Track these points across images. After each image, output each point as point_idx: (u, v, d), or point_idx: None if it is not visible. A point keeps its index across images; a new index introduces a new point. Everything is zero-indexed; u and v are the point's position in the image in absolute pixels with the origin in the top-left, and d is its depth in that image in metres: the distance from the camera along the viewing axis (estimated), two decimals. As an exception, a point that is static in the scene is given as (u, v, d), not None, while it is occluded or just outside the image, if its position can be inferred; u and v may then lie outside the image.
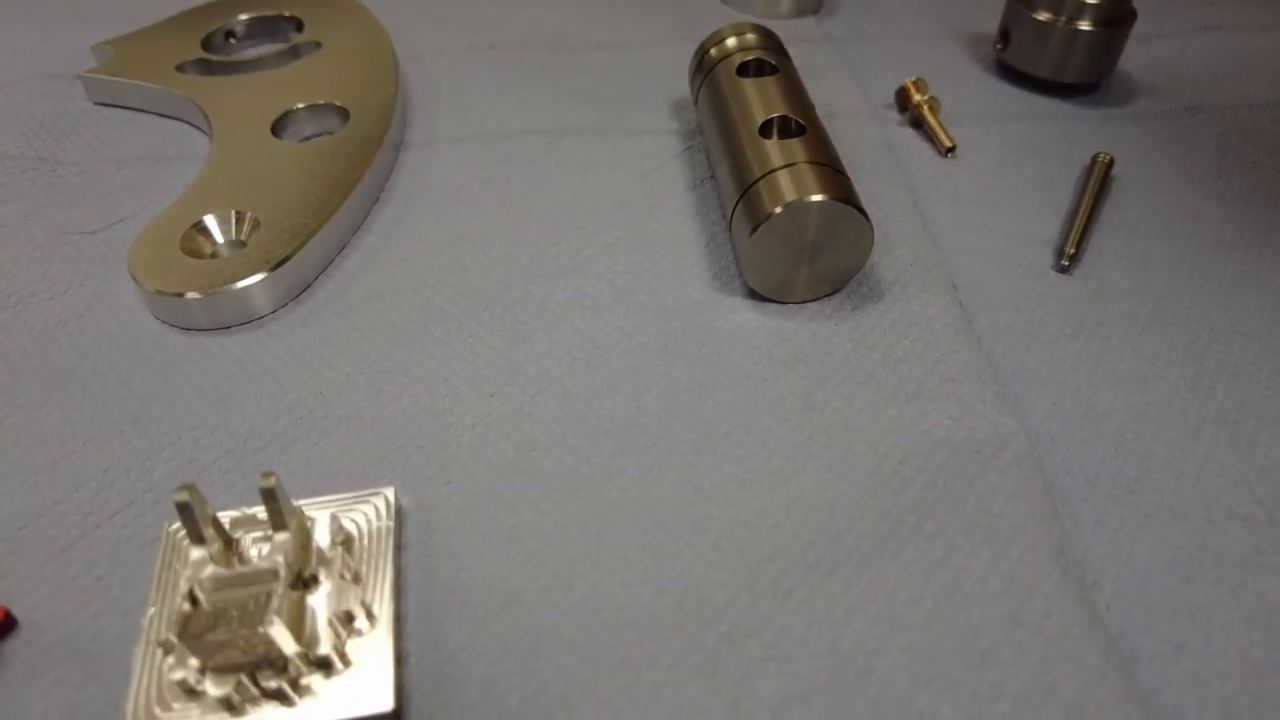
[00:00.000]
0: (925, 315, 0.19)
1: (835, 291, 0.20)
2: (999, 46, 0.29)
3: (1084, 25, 0.27)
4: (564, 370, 0.18)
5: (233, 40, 0.30)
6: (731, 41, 0.23)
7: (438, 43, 0.29)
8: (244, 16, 0.29)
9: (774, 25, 0.31)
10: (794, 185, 0.18)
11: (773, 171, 0.19)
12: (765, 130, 0.20)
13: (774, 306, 0.20)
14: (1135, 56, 0.30)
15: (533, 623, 0.14)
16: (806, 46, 0.29)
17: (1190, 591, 0.15)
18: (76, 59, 0.29)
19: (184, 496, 0.13)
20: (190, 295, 0.19)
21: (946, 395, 0.18)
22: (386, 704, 0.13)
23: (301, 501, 0.15)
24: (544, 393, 0.18)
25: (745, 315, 0.19)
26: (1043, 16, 0.27)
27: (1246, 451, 0.17)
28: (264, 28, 0.30)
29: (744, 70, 0.22)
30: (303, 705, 0.13)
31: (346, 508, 0.15)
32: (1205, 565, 0.15)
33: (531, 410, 0.18)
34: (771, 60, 0.22)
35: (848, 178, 0.19)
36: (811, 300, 0.20)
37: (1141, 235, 0.22)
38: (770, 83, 0.22)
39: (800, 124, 0.20)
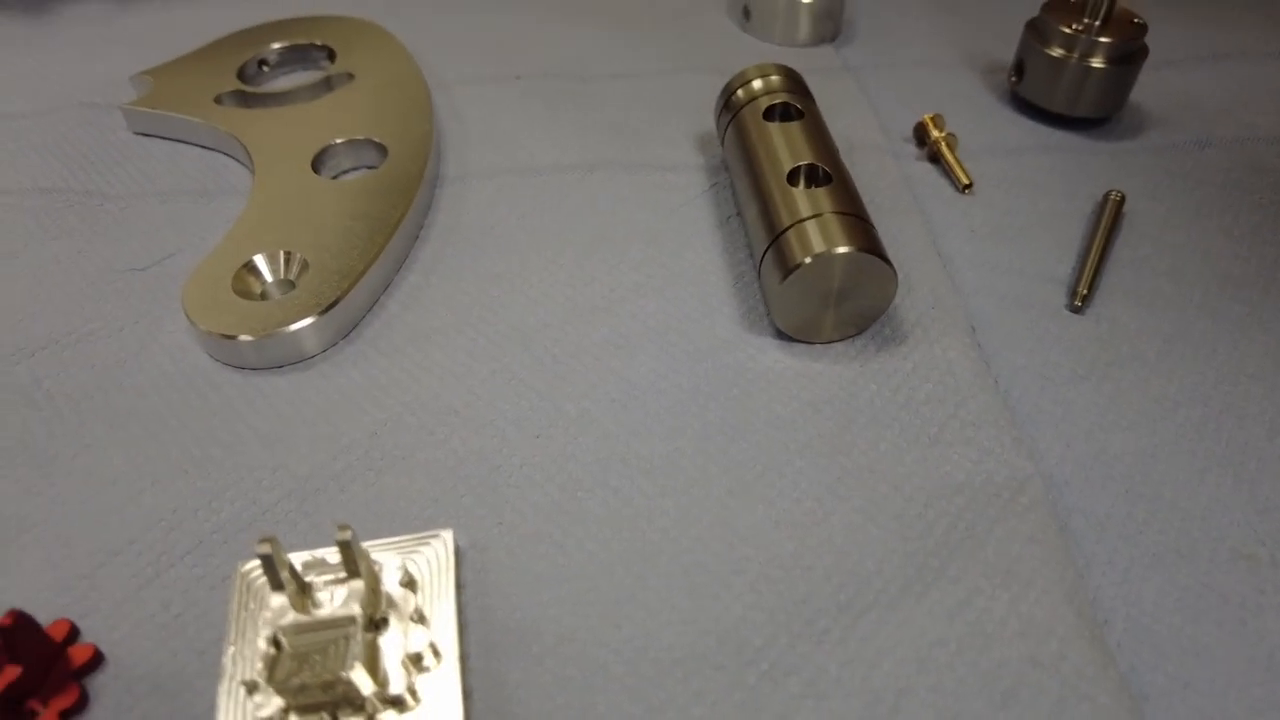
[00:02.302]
0: (946, 358, 0.20)
1: (860, 333, 0.21)
2: (1014, 79, 0.29)
3: (1096, 63, 0.27)
4: (603, 411, 0.19)
5: (265, 68, 0.30)
6: (758, 84, 0.24)
7: (463, 71, 0.30)
8: (276, 45, 0.30)
9: (793, 53, 0.32)
10: (822, 236, 0.19)
11: (801, 221, 0.20)
12: (793, 177, 0.21)
13: (801, 347, 0.21)
14: (1147, 87, 0.31)
15: (585, 661, 0.15)
16: (825, 76, 0.30)
17: (1196, 630, 0.16)
18: (116, 88, 0.30)
19: (266, 549, 0.14)
20: (243, 337, 0.20)
21: (966, 440, 0.19)
22: (456, 740, 0.14)
23: (366, 543, 0.16)
24: (585, 433, 0.19)
25: (774, 356, 0.20)
26: (1056, 53, 0.28)
27: (1249, 493, 0.18)
28: (296, 56, 0.30)
29: (770, 114, 0.23)
30: (378, 742, 0.14)
31: (409, 550, 0.16)
32: (1210, 604, 0.16)
33: (574, 451, 0.19)
34: (797, 104, 0.23)
35: (872, 226, 0.20)
36: (837, 340, 0.21)
37: (1150, 273, 0.23)
38: (796, 128, 0.22)
39: (827, 172, 0.21)
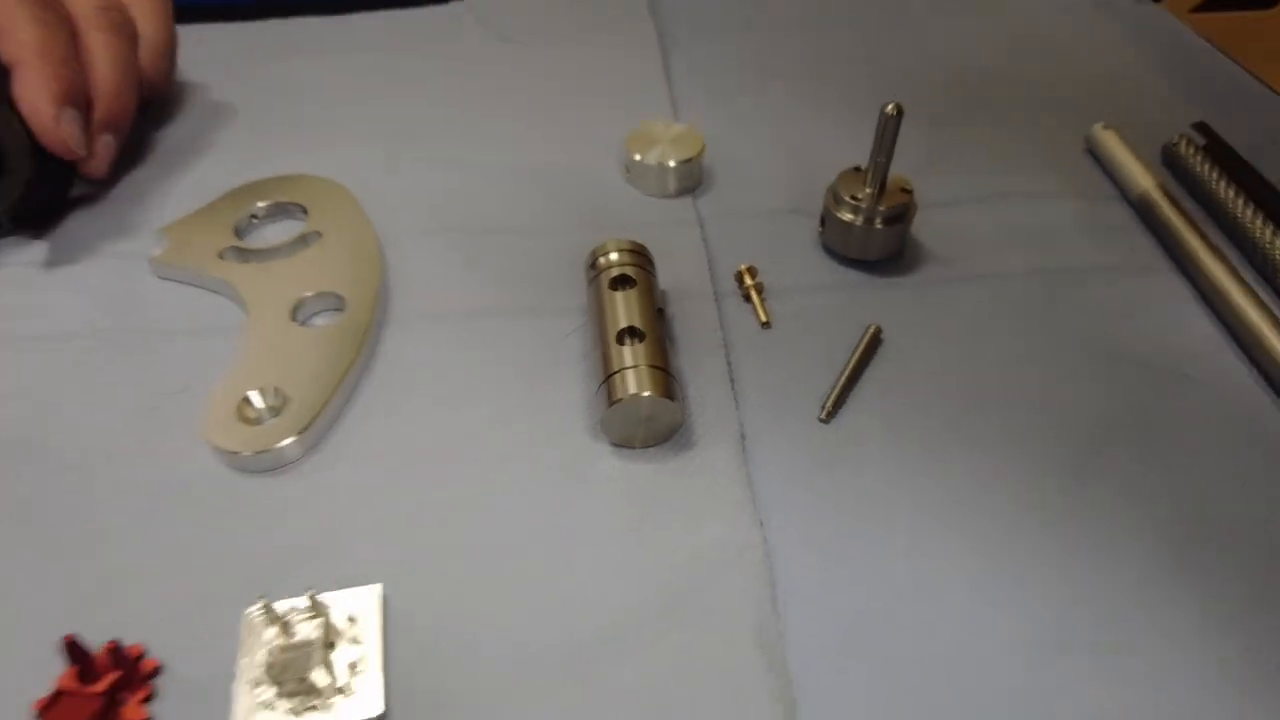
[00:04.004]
0: (717, 457, 0.30)
1: (662, 442, 0.30)
2: (820, 230, 0.39)
3: (877, 224, 0.37)
4: (483, 498, 0.29)
5: (255, 220, 0.40)
6: (613, 255, 0.34)
7: (406, 225, 0.39)
8: (262, 204, 0.40)
9: (660, 204, 0.42)
10: (635, 382, 0.29)
11: (624, 370, 0.29)
12: (620, 336, 0.31)
13: (623, 451, 0.30)
14: (930, 225, 0.40)
15: (468, 657, 0.25)
16: (678, 227, 0.40)
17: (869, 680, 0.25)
18: (139, 238, 0.39)
19: (261, 606, 0.23)
20: (244, 452, 0.29)
21: (716, 514, 0.28)
22: (378, 709, 0.23)
23: (323, 594, 0.26)
24: (469, 518, 0.28)
25: (606, 459, 0.30)
26: (845, 216, 0.38)
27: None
28: (278, 210, 0.40)
29: (614, 283, 0.33)
30: (330, 713, 0.23)
31: (353, 596, 0.26)
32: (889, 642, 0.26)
33: (463, 531, 0.28)
34: (633, 275, 0.33)
35: (671, 374, 0.30)
36: (649, 447, 0.30)
37: (890, 390, 0.33)
38: (632, 295, 0.32)
39: (643, 333, 0.31)
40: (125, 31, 0.40)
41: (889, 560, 0.27)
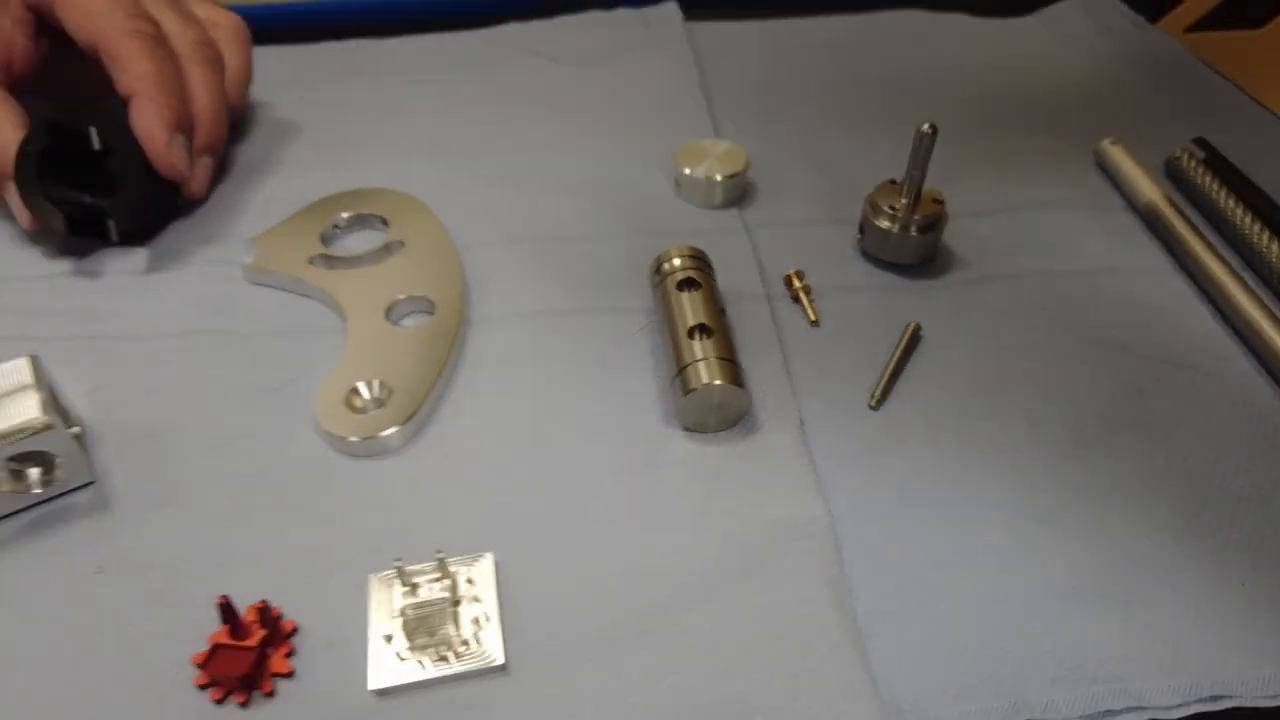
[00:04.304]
0: (780, 441, 0.33)
1: (731, 426, 0.34)
2: (859, 237, 0.43)
3: (912, 231, 0.41)
4: (566, 478, 0.32)
5: (338, 230, 0.43)
6: (676, 261, 0.37)
7: (479, 236, 0.43)
8: (345, 214, 0.43)
9: (709, 215, 0.45)
10: (707, 372, 0.32)
11: (696, 361, 0.33)
12: (690, 332, 0.34)
13: (696, 436, 0.34)
14: (958, 233, 0.43)
15: (576, 618, 0.28)
16: (728, 235, 0.43)
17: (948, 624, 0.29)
18: (228, 247, 0.42)
19: (395, 569, 0.27)
20: (352, 438, 0.32)
21: (783, 490, 0.32)
22: (500, 659, 0.26)
23: (449, 560, 0.29)
24: (554, 491, 0.32)
25: (679, 443, 0.33)
26: (883, 224, 0.41)
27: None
28: (359, 222, 0.43)
29: (680, 285, 0.36)
30: (459, 663, 0.26)
31: (470, 563, 0.29)
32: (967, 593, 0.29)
33: (554, 504, 0.31)
34: (698, 278, 0.36)
35: (738, 365, 0.33)
36: (719, 431, 0.34)
37: (932, 380, 0.36)
38: (698, 296, 0.36)
39: (711, 329, 0.34)
40: (218, 65, 0.44)
41: (937, 526, 0.31)
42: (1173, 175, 0.49)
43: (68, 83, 0.44)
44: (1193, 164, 0.48)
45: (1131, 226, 0.46)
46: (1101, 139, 0.50)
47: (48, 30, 0.42)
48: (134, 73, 0.39)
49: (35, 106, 0.41)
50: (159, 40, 0.40)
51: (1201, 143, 0.50)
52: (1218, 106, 0.55)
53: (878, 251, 0.42)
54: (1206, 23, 0.85)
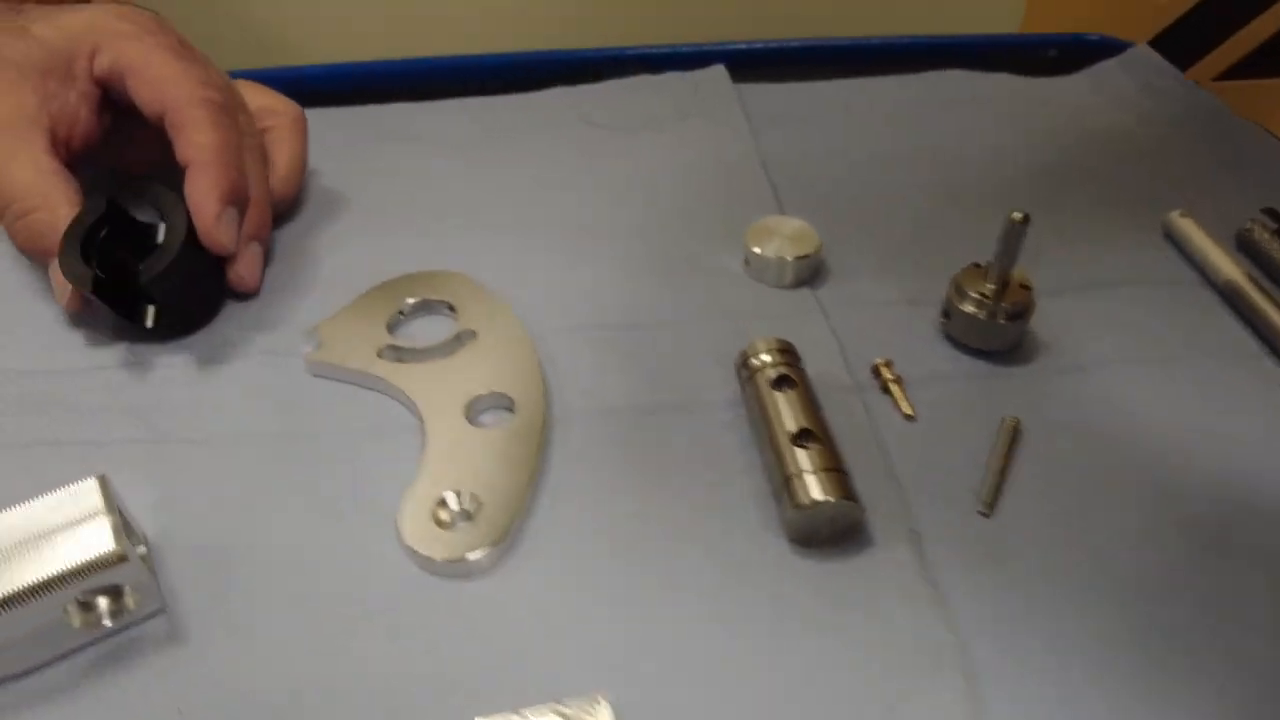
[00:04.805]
0: (896, 556, 0.32)
1: (843, 540, 0.32)
2: (943, 320, 0.41)
3: (1000, 319, 0.39)
4: (664, 590, 0.30)
5: (403, 316, 0.41)
6: (765, 356, 0.36)
7: (550, 323, 0.41)
8: (410, 300, 0.41)
9: (780, 294, 0.44)
10: (818, 488, 0.31)
11: (803, 473, 0.31)
12: (794, 438, 0.32)
13: (808, 551, 0.32)
14: (1049, 314, 0.42)
15: None
16: (804, 317, 0.42)
17: None
18: (285, 335, 0.40)
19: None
20: (441, 559, 0.30)
21: (905, 610, 0.30)
22: None
23: (560, 707, 0.27)
24: (646, 617, 0.30)
25: (788, 558, 0.32)
26: (969, 309, 0.40)
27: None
28: (425, 308, 0.41)
29: (775, 383, 0.35)
30: None
31: (587, 710, 0.27)
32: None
33: (665, 643, 0.29)
34: (792, 375, 0.35)
35: (848, 474, 0.31)
36: (831, 545, 0.32)
37: (1037, 478, 0.35)
38: (794, 395, 0.34)
39: (816, 434, 0.32)
40: (264, 158, 0.43)
41: (1068, 652, 0.29)
42: (1244, 247, 0.48)
43: (125, 161, 0.42)
44: (1266, 235, 0.47)
45: (1210, 303, 0.45)
46: (1166, 208, 0.49)
47: (110, 105, 0.41)
48: (196, 141, 0.38)
49: (95, 177, 0.40)
50: (227, 110, 0.39)
51: (1271, 213, 0.50)
52: (1274, 169, 0.55)
53: (964, 337, 0.41)
54: (1235, 71, 0.85)
